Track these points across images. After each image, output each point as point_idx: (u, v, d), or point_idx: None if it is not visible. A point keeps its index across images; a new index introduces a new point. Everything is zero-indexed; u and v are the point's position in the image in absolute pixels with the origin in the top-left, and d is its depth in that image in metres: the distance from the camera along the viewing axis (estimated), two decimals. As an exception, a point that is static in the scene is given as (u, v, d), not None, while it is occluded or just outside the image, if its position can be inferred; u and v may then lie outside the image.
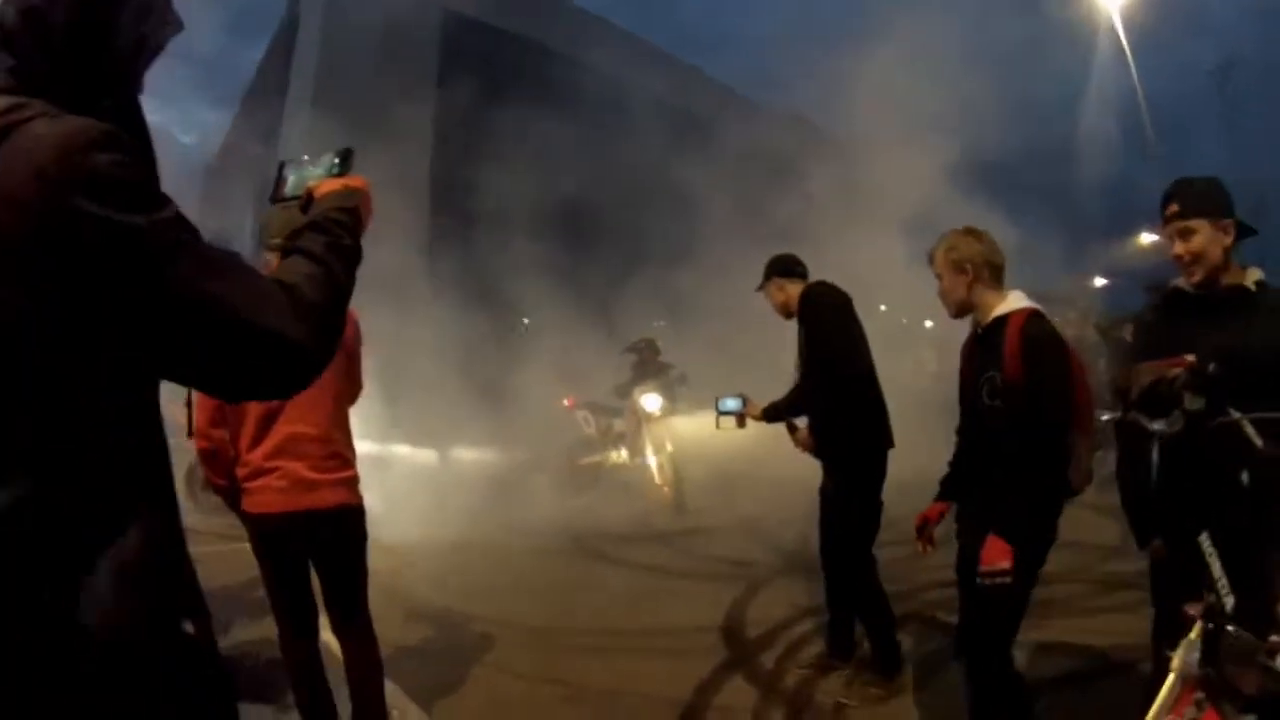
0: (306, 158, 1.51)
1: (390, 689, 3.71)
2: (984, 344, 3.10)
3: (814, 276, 4.49)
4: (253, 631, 4.89)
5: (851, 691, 3.93)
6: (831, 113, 15.45)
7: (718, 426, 4.67)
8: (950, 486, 3.32)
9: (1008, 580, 2.78)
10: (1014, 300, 3.07)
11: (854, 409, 4.12)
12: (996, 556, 2.80)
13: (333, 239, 1.30)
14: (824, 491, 4.31)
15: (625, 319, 13.60)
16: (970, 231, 3.21)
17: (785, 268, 4.53)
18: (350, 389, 3.34)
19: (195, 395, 2.67)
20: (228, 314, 1.08)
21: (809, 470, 4.44)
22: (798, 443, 4.39)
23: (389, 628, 4.79)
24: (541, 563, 7.01)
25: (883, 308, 12.54)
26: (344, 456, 3.21)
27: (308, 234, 1.31)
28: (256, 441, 3.10)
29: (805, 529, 7.72)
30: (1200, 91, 36.39)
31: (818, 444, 4.28)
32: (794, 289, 4.43)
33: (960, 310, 3.19)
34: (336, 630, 3.26)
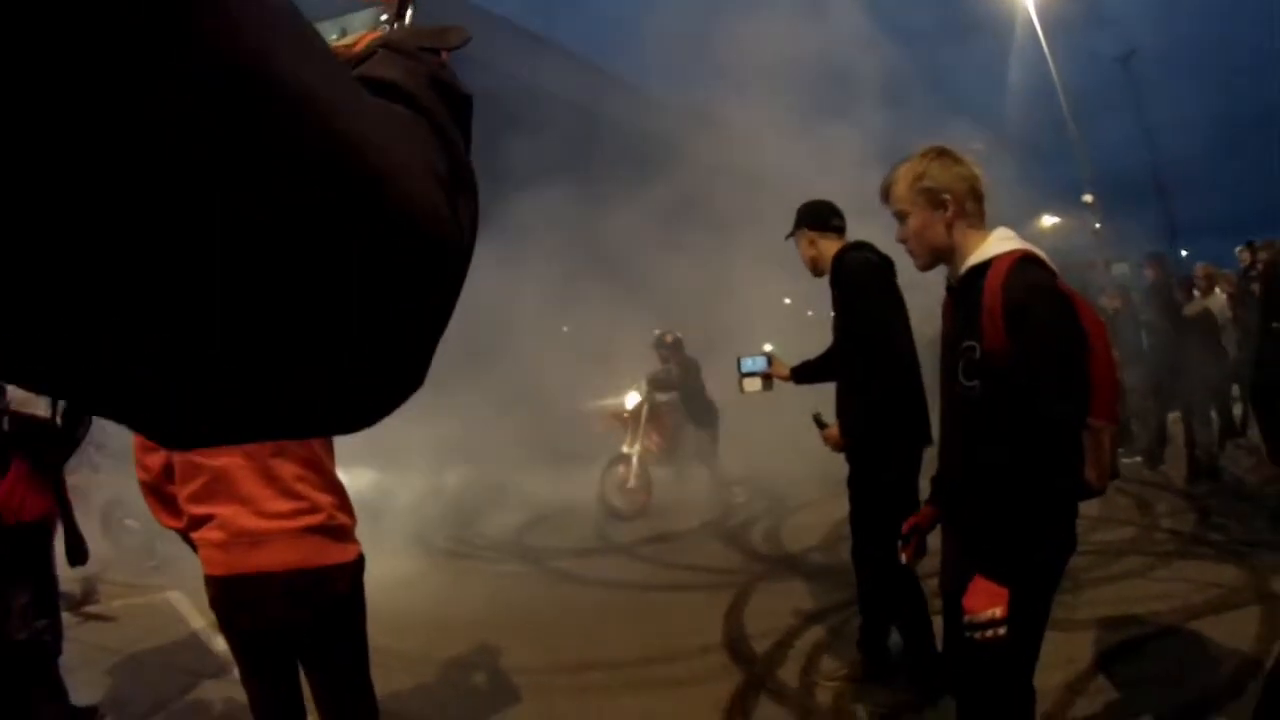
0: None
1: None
2: (960, 304, 2.32)
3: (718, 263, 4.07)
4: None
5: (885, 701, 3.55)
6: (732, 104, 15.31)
7: (741, 390, 4.14)
8: (937, 485, 2.62)
9: (1001, 631, 2.09)
10: (997, 241, 2.27)
11: (886, 394, 3.51)
12: (984, 603, 2.11)
13: (432, 71, 0.57)
14: (850, 484, 3.81)
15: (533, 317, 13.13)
16: (944, 153, 2.39)
17: (819, 218, 3.90)
18: None
19: None
20: (343, 146, 0.37)
21: (769, 465, 4.10)
22: (826, 440, 3.83)
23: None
24: (502, 589, 6.39)
25: (786, 300, 12.41)
26: (305, 495, 2.36)
27: (382, 57, 0.58)
28: (183, 476, 2.35)
29: (771, 526, 7.52)
30: (1106, 78, 38.52)
31: (842, 424, 3.74)
32: (827, 245, 3.85)
33: (935, 258, 2.40)
34: None
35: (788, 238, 4.01)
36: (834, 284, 3.76)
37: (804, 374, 4.04)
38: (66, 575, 4.02)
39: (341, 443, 2.55)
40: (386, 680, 4.45)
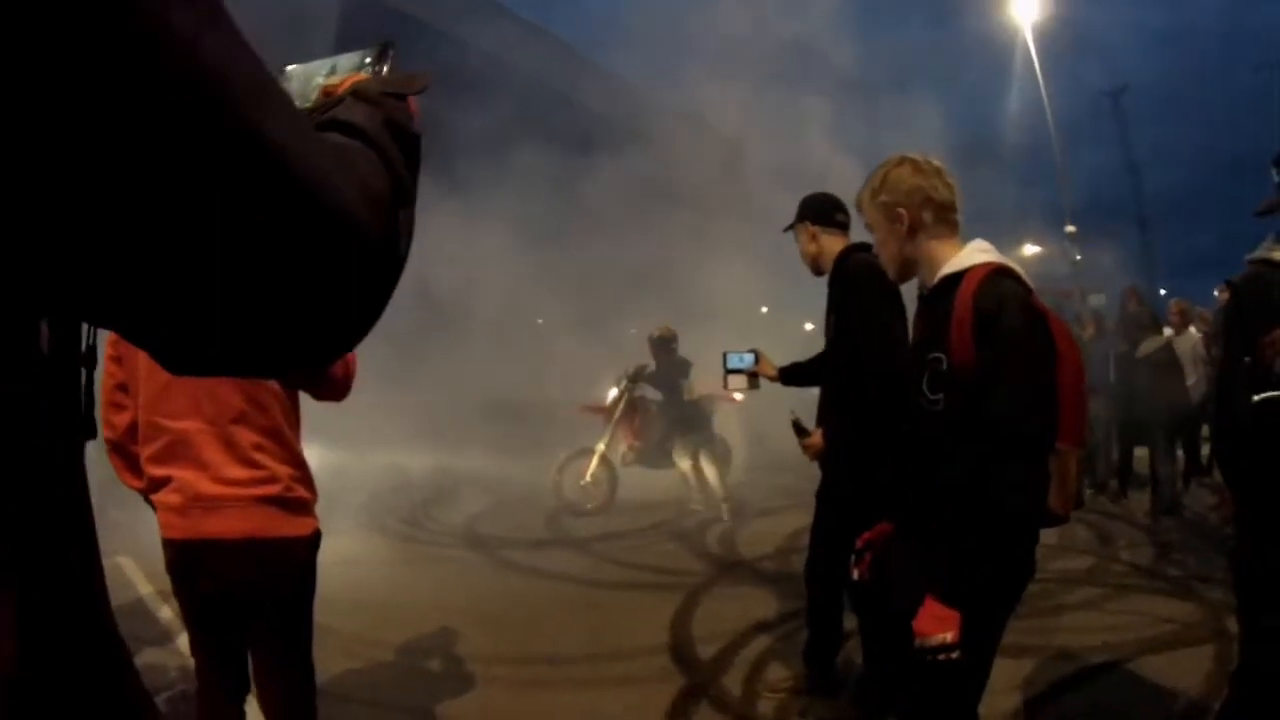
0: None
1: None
2: (930, 314, 2.25)
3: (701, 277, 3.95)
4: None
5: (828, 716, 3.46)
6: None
7: (725, 387, 3.99)
8: (893, 501, 2.49)
9: (953, 655, 1.97)
10: (972, 253, 2.19)
11: (879, 402, 3.15)
12: (934, 626, 1.98)
13: (388, 115, 0.75)
14: (821, 494, 3.62)
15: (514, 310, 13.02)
16: (906, 161, 2.31)
17: (822, 212, 3.66)
18: None
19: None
20: (271, 151, 0.51)
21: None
22: (806, 448, 3.61)
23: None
24: (450, 576, 6.25)
25: (764, 309, 12.35)
26: (263, 464, 2.26)
27: (349, 103, 0.76)
28: (145, 437, 2.26)
29: (727, 530, 7.43)
30: (1095, 110, 39.14)
31: (826, 431, 3.54)
32: (830, 242, 3.63)
33: (902, 271, 2.36)
34: (263, 708, 2.41)
35: (787, 230, 3.81)
36: (834, 283, 3.57)
37: (792, 376, 3.88)
38: None
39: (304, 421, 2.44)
40: (325, 660, 4.32)
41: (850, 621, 3.58)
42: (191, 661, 2.43)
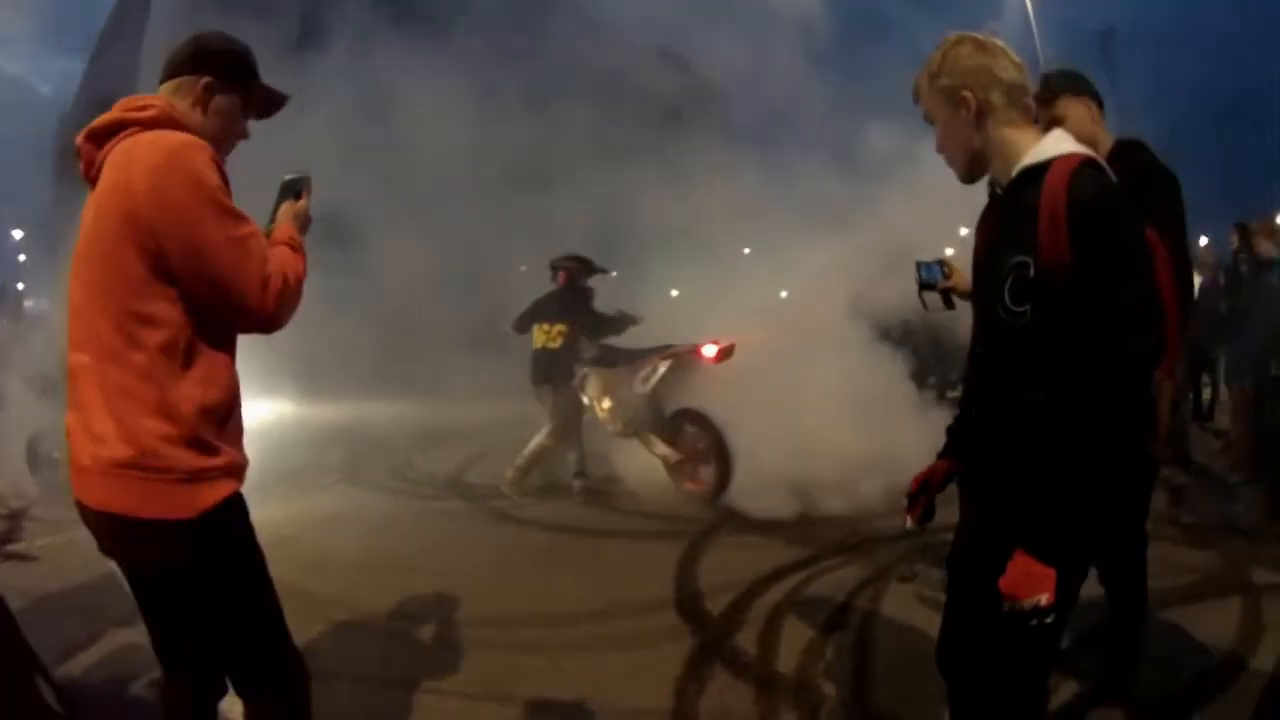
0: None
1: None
2: (1009, 213, 1.90)
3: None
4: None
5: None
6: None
7: (924, 306, 2.99)
8: (955, 436, 2.21)
9: (1047, 620, 1.72)
10: (1057, 141, 1.88)
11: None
12: (1027, 587, 1.72)
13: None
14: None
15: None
16: (965, 39, 1.97)
17: (1086, 83, 3.02)
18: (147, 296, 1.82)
19: None
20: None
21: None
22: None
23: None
24: (437, 530, 5.99)
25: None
26: (122, 416, 1.81)
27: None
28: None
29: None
30: (1085, 54, 38.57)
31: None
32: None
33: (972, 165, 1.99)
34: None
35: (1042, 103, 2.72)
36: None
37: None
38: None
39: (270, 369, 2.23)
40: (300, 627, 4.07)
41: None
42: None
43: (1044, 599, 1.70)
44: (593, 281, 7.23)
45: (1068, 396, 1.71)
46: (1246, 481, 6.07)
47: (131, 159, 1.82)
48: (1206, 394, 8.82)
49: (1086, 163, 1.80)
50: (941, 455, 2.23)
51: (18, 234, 31.43)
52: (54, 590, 4.89)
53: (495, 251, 11.64)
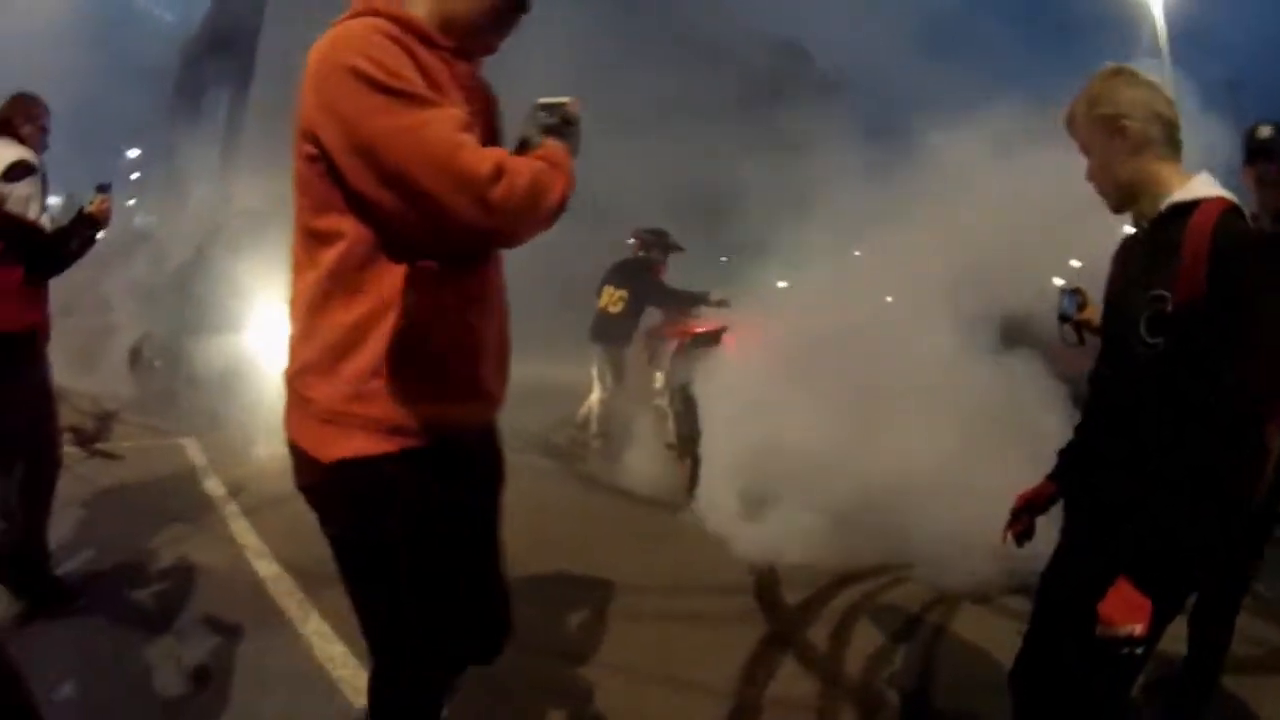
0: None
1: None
2: (1151, 247, 1.93)
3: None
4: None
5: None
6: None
7: (1062, 340, 2.79)
8: (1068, 460, 2.23)
9: (1138, 651, 1.76)
10: (1205, 183, 1.89)
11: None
12: (1126, 615, 1.74)
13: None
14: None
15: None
16: (1122, 71, 1.99)
17: None
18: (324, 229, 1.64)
19: None
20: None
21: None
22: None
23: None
24: (519, 488, 5.93)
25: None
26: (291, 339, 1.75)
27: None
28: None
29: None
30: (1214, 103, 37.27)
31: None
32: None
33: (1124, 195, 1.99)
34: None
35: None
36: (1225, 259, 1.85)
37: None
38: (83, 411, 3.83)
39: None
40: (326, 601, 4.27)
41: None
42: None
43: (1138, 629, 1.73)
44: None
45: (1189, 433, 1.73)
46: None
47: (308, 62, 1.58)
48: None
49: (1233, 209, 1.82)
50: (1050, 477, 2.25)
51: (134, 153, 32.64)
52: (131, 489, 5.20)
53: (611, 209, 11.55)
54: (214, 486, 5.49)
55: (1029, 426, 4.06)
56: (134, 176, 30.50)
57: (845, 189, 5.90)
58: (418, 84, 1.51)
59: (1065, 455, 2.24)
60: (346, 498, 1.72)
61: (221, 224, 8.20)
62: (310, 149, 1.57)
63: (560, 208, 1.61)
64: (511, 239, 1.63)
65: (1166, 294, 1.81)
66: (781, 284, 6.75)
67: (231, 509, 5.04)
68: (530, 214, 1.55)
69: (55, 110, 3.63)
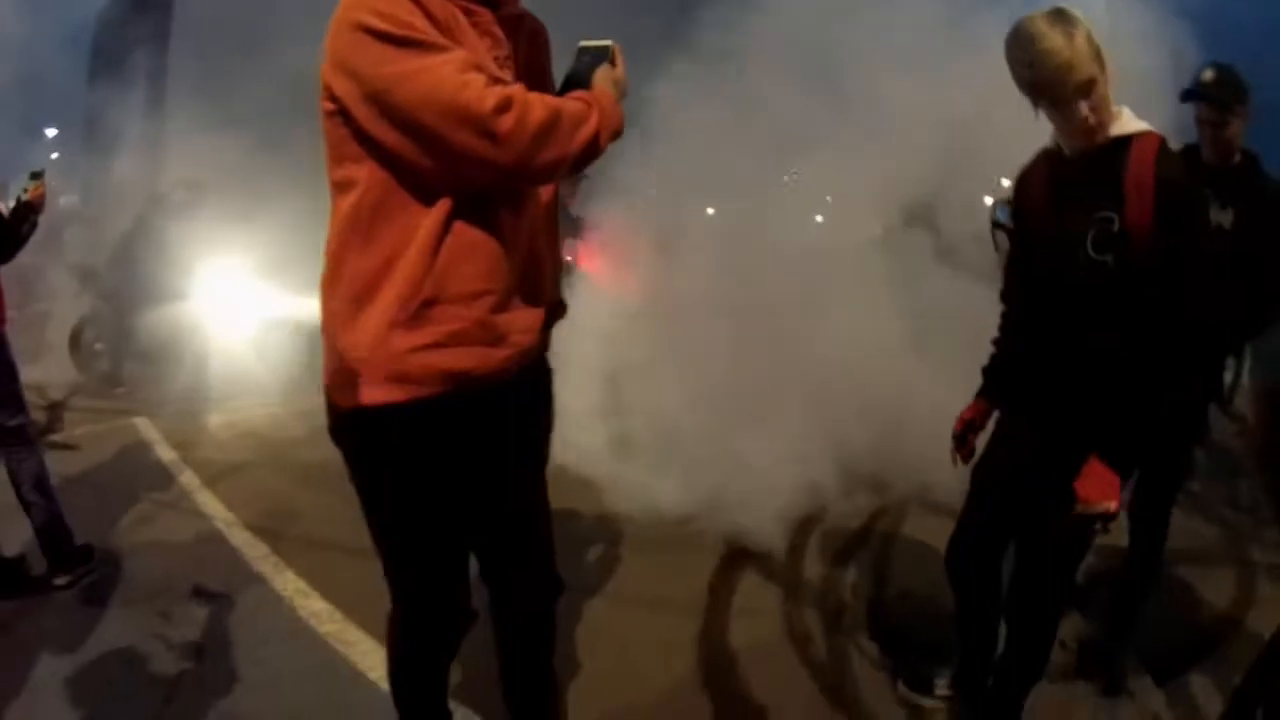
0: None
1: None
2: (1089, 174, 2.11)
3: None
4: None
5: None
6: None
7: (995, 247, 3.20)
8: (996, 378, 2.48)
9: (1108, 529, 2.06)
10: (1130, 119, 2.09)
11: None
12: (1103, 493, 2.01)
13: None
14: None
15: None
16: (1061, 18, 2.02)
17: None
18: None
19: None
20: None
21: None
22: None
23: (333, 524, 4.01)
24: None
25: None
26: (331, 308, 1.74)
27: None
28: None
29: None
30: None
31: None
32: None
33: (1085, 139, 2.11)
34: None
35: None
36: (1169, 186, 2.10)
37: None
38: (31, 403, 3.84)
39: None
40: (349, 520, 4.33)
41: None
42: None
43: (1112, 505, 2.01)
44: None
45: (1146, 335, 2.00)
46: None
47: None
48: (1228, 377, 8.78)
49: (1163, 142, 2.06)
50: (982, 394, 2.50)
51: (51, 132, 31.39)
52: (92, 476, 5.17)
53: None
54: (173, 462, 5.48)
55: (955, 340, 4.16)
56: (54, 156, 29.37)
57: (772, 110, 5.82)
58: (428, 32, 1.53)
59: (994, 370, 2.49)
60: (359, 445, 1.77)
61: (162, 193, 8.02)
62: (329, 104, 1.60)
63: (593, 145, 1.62)
64: (530, 174, 1.61)
65: (1114, 215, 2.02)
66: (710, 210, 6.67)
67: (193, 482, 5.07)
68: (547, 148, 1.55)
69: None
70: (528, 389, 1.90)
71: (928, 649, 2.91)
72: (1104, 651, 2.97)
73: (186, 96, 15.58)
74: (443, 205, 1.62)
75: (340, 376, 1.71)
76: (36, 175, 3.56)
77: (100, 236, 9.27)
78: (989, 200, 4.85)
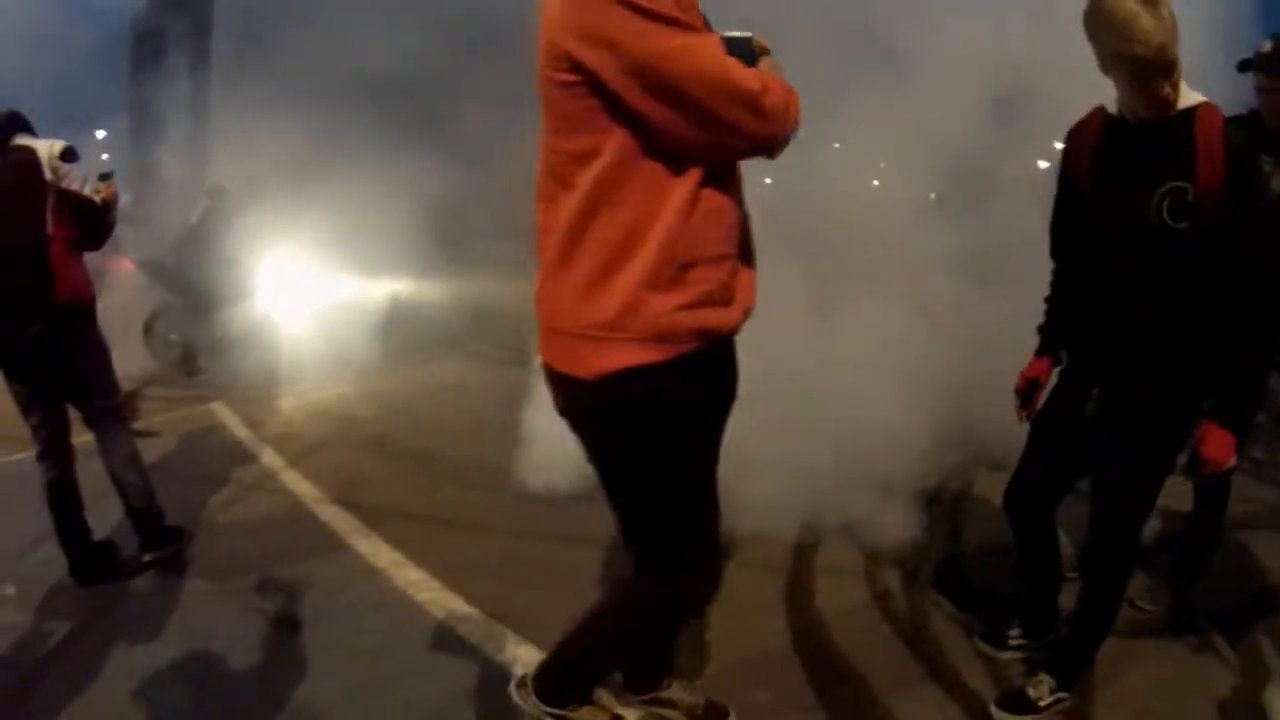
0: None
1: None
2: (1157, 144, 2.17)
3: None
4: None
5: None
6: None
7: None
8: (1054, 335, 2.60)
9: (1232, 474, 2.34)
10: (1188, 91, 2.16)
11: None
12: (1226, 452, 2.19)
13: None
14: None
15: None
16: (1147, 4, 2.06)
17: None
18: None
19: None
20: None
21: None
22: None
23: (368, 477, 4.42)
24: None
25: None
26: (568, 281, 1.80)
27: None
28: None
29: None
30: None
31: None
32: None
33: (1163, 110, 2.14)
34: None
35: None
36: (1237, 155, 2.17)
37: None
38: None
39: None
40: (425, 482, 4.59)
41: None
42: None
43: (1233, 460, 2.21)
44: None
45: (1215, 298, 2.14)
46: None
47: None
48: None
49: (1228, 119, 2.15)
50: (1042, 352, 2.62)
51: (100, 134, 31.94)
52: (175, 460, 5.33)
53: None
54: (253, 444, 5.64)
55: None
56: (104, 157, 29.90)
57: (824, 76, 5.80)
58: (675, 10, 1.60)
59: (1051, 328, 2.62)
60: (617, 410, 1.78)
61: (222, 187, 8.27)
62: (566, 75, 1.63)
63: (798, 116, 1.73)
64: (777, 146, 1.72)
65: (1187, 185, 2.11)
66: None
67: (276, 462, 5.22)
68: (791, 120, 1.69)
69: (19, 99, 3.78)
70: (733, 350, 2.01)
71: (1001, 602, 2.98)
72: (1170, 609, 3.03)
73: (229, 92, 15.73)
74: (694, 174, 1.69)
75: (578, 347, 1.75)
76: (105, 176, 3.73)
77: (157, 232, 9.53)
78: (1043, 165, 4.83)
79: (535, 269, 1.84)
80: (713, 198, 1.74)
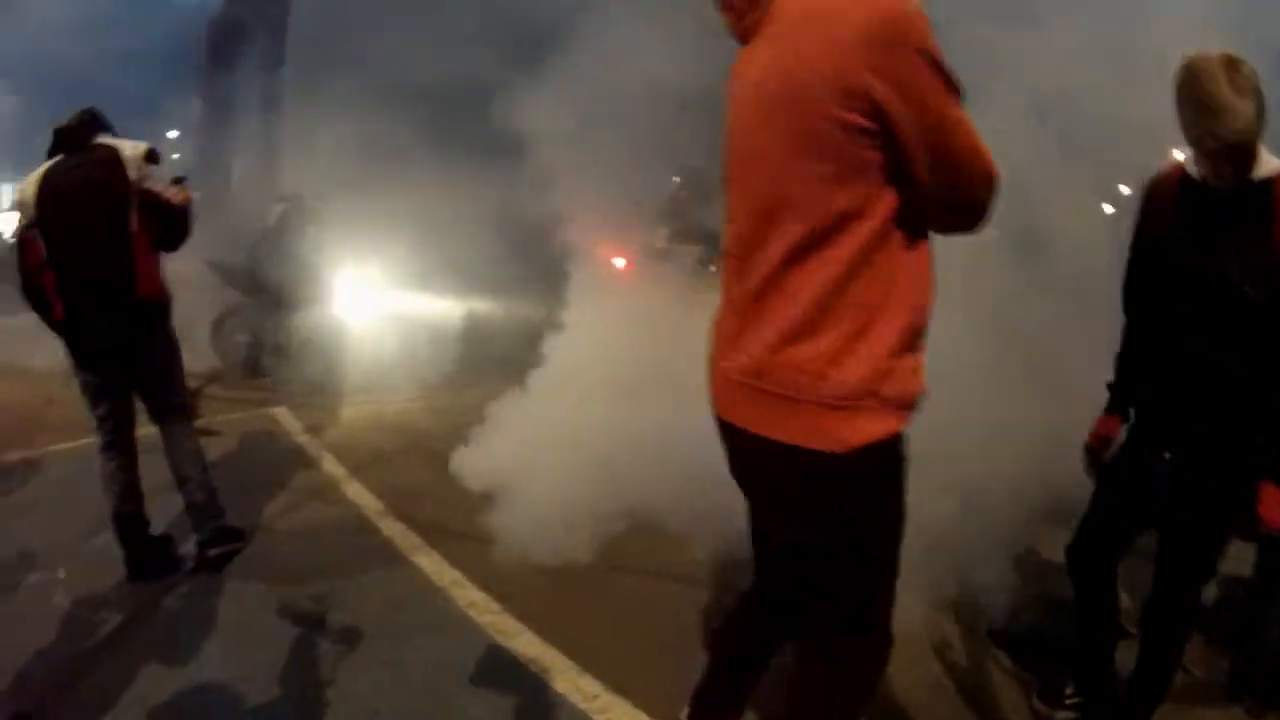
0: None
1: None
2: (1238, 209, 2.20)
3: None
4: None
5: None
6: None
7: None
8: (1124, 392, 2.61)
9: None
10: (1268, 156, 2.18)
11: None
12: None
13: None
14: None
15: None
16: (1235, 69, 2.09)
17: None
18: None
19: None
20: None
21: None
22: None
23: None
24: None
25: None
26: (815, 348, 1.69)
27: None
28: None
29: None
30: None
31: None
32: None
33: (1242, 173, 2.18)
34: None
35: None
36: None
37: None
38: None
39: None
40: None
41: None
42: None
43: None
44: None
45: None
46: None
47: (830, 17, 1.51)
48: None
49: None
50: (1111, 411, 2.63)
51: (172, 134, 32.71)
52: (236, 462, 5.36)
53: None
54: (317, 452, 5.67)
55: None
56: (175, 157, 30.61)
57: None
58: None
59: (1121, 385, 2.62)
60: (864, 481, 1.67)
61: (296, 200, 8.44)
62: (858, 118, 1.49)
63: None
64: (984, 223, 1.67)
65: (1264, 255, 2.14)
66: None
67: (339, 471, 5.25)
68: None
69: (94, 98, 3.89)
70: None
71: (1058, 657, 2.95)
72: (1228, 674, 2.99)
73: (299, 106, 16.01)
74: (927, 239, 1.66)
75: (823, 419, 1.62)
76: (179, 180, 3.87)
77: (227, 234, 9.79)
78: (1108, 209, 4.79)
79: (722, 316, 1.80)
80: (928, 263, 1.69)
